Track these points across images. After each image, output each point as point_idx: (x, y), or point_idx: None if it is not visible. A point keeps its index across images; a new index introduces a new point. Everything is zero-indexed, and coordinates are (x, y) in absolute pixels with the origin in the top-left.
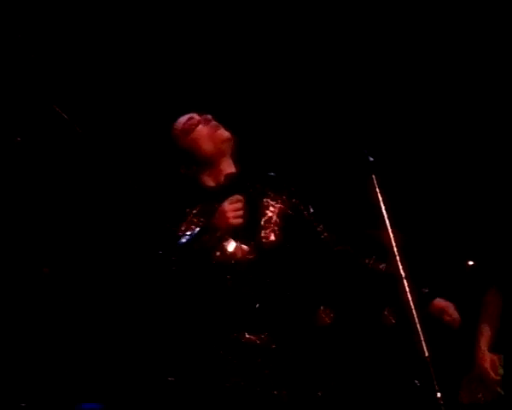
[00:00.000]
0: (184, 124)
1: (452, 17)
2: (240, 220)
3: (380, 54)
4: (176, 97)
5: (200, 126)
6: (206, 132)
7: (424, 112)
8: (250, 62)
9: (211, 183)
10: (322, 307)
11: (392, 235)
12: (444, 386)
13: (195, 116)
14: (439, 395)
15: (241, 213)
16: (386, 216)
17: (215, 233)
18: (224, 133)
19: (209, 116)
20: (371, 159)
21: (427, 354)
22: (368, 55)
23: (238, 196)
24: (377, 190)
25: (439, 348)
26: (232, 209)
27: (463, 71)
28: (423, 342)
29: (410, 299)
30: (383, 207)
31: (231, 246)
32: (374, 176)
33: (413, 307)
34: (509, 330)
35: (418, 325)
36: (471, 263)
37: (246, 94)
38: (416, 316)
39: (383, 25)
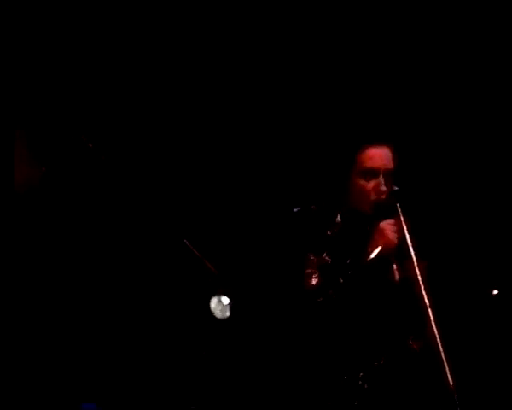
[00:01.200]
0: None
1: (454, 21)
2: (396, 240)
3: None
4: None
5: None
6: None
7: (446, 136)
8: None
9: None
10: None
11: (416, 264)
12: None
13: None
14: None
15: (397, 233)
16: (410, 245)
17: (379, 253)
18: None
19: None
20: (396, 188)
21: (451, 384)
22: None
23: (392, 220)
24: (402, 218)
25: (464, 376)
26: (391, 229)
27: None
28: (448, 372)
29: (434, 328)
30: (408, 236)
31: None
32: (398, 205)
33: (437, 335)
34: (508, 329)
35: (443, 354)
36: (496, 292)
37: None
38: (440, 345)
39: (390, 36)
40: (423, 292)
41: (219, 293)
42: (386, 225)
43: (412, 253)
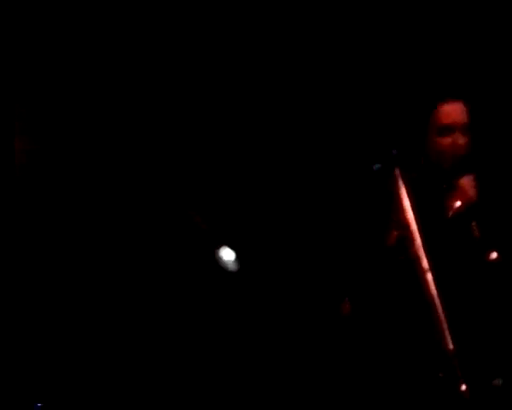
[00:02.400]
0: None
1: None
2: (476, 196)
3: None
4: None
5: None
6: None
7: None
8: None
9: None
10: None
11: (416, 228)
12: (469, 379)
13: None
14: (463, 387)
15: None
16: (409, 208)
17: (459, 208)
18: None
19: None
20: (394, 152)
21: (451, 347)
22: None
23: (472, 175)
24: (401, 181)
25: (464, 340)
26: (471, 185)
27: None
28: (447, 335)
29: (433, 291)
30: (406, 200)
31: None
32: (397, 169)
33: (437, 299)
34: (509, 330)
35: (442, 317)
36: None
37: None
38: (440, 308)
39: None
40: (422, 256)
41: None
42: (466, 180)
43: (411, 218)
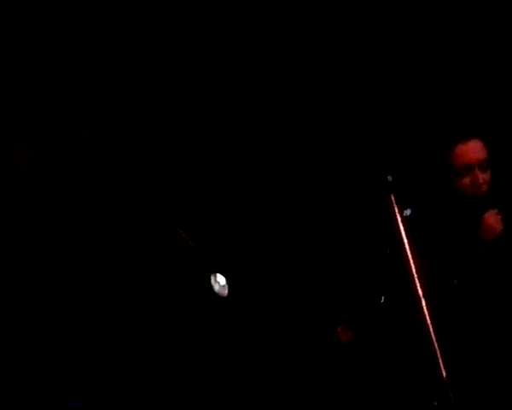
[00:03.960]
0: None
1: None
2: (501, 228)
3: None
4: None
5: None
6: None
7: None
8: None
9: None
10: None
11: (410, 254)
12: (462, 407)
13: None
14: None
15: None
16: (404, 235)
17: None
18: None
19: None
20: (390, 178)
21: (444, 375)
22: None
23: (495, 210)
24: (396, 209)
25: (457, 368)
26: (495, 219)
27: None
28: (441, 363)
29: (427, 318)
30: (401, 226)
31: None
32: (392, 195)
33: (431, 326)
34: (508, 329)
35: (436, 345)
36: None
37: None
38: (433, 336)
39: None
40: (417, 283)
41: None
42: (491, 216)
43: (406, 243)
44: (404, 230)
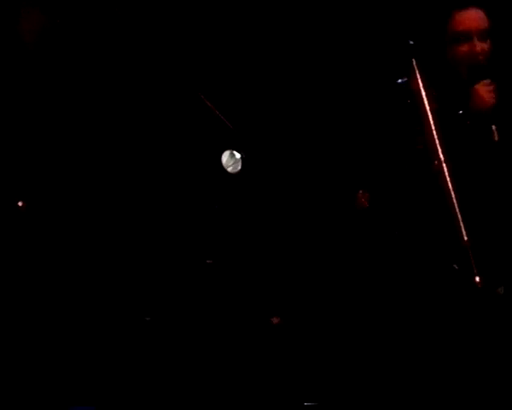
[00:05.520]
0: None
1: None
2: (493, 100)
3: None
4: None
5: None
6: None
7: None
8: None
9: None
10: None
11: (432, 120)
12: (483, 270)
13: None
14: (477, 279)
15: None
16: (426, 103)
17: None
18: None
19: None
20: (411, 42)
21: (466, 239)
22: None
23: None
24: (417, 74)
25: (478, 233)
26: (487, 90)
27: None
28: (462, 227)
29: (449, 182)
30: (424, 94)
31: None
32: (414, 60)
33: (452, 192)
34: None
35: (458, 210)
36: None
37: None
38: (455, 201)
39: None
40: (438, 147)
41: (231, 148)
42: (482, 86)
43: (428, 111)
44: (426, 95)
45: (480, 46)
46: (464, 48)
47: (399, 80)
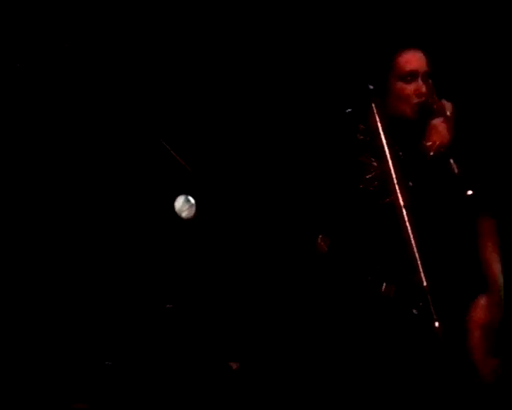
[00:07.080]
0: None
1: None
2: (450, 136)
3: None
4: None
5: None
6: None
7: None
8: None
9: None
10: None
11: (391, 163)
12: (442, 315)
13: None
14: (437, 324)
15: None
16: (385, 143)
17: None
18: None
19: None
20: (371, 87)
21: (425, 284)
22: None
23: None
24: (377, 117)
25: (437, 277)
26: (443, 126)
27: None
28: (421, 272)
29: (408, 228)
30: (382, 135)
31: None
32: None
33: (411, 235)
34: (508, 329)
35: (417, 255)
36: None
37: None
38: (414, 245)
39: None
40: (398, 192)
41: (186, 193)
42: (439, 122)
43: (387, 152)
44: (385, 139)
45: (425, 87)
46: (411, 87)
47: (347, 110)
